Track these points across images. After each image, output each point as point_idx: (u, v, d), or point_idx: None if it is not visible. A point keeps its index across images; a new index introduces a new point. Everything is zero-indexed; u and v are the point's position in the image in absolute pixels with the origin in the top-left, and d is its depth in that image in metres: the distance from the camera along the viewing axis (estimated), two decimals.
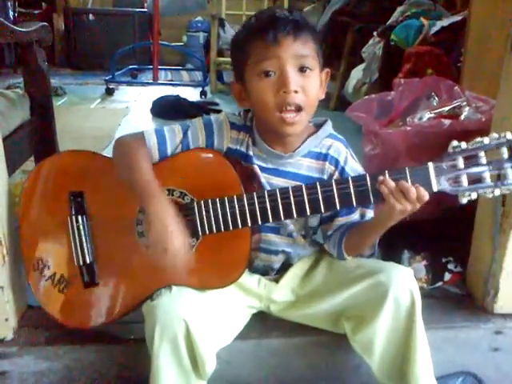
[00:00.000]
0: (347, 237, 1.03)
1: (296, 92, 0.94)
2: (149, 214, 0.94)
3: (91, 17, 5.48)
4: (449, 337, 1.21)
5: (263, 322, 1.15)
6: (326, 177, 1.05)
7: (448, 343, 1.21)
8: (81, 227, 1.05)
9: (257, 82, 0.96)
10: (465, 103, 1.56)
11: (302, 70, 0.95)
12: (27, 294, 1.19)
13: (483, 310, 1.26)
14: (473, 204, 1.28)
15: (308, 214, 0.94)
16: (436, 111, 1.56)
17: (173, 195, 1.00)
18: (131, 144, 1.03)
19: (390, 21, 3.13)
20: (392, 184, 0.89)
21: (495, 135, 0.86)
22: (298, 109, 0.95)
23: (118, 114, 3.58)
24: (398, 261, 1.37)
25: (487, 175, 0.87)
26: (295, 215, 0.94)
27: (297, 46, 0.94)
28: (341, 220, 1.05)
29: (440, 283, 1.37)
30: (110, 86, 4.26)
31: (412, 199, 0.89)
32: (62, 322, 1.08)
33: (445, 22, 2.67)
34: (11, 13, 4.56)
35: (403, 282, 0.98)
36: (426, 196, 0.89)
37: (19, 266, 1.15)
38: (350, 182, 0.92)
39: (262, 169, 1.04)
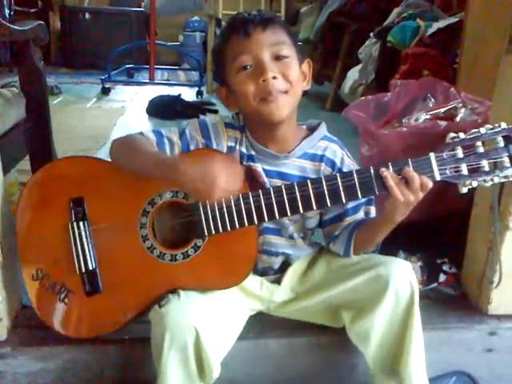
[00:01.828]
0: (356, 235, 1.04)
1: (275, 78, 0.95)
2: (181, 174, 0.89)
3: (87, 16, 5.47)
4: (443, 337, 1.22)
5: (261, 323, 1.15)
6: None
7: (442, 344, 1.21)
8: (82, 233, 1.02)
9: (236, 78, 0.98)
10: (461, 105, 1.56)
11: (278, 57, 0.96)
12: (21, 294, 1.19)
13: (477, 311, 1.26)
14: (468, 205, 1.30)
15: (314, 208, 0.95)
16: (432, 113, 1.56)
17: (177, 196, 1.00)
18: (130, 137, 1.03)
19: (386, 22, 3.14)
20: (395, 175, 0.91)
21: (490, 126, 0.90)
22: (283, 92, 0.96)
23: (114, 113, 3.58)
24: None
25: (485, 164, 0.90)
26: (301, 210, 0.95)
27: (267, 36, 0.96)
28: (348, 220, 1.06)
29: (435, 284, 1.37)
30: (106, 86, 4.25)
31: (415, 188, 0.91)
32: (64, 333, 1.06)
33: (441, 24, 2.68)
34: (7, 11, 4.54)
35: (403, 274, 1.00)
36: (430, 184, 0.91)
37: (14, 265, 1.14)
38: (355, 174, 0.94)
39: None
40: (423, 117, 1.55)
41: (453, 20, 2.64)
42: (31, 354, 1.10)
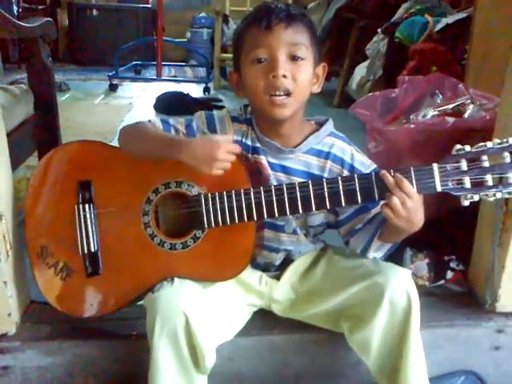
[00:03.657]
0: (381, 232, 1.02)
1: (285, 77, 0.95)
2: (186, 149, 0.93)
3: (95, 12, 5.48)
4: (450, 335, 1.21)
5: (264, 319, 1.15)
6: (326, 175, 1.05)
7: (449, 341, 1.21)
8: (87, 216, 1.05)
9: (249, 69, 0.98)
10: (469, 101, 1.55)
11: (293, 58, 0.96)
12: (30, 289, 1.20)
13: (485, 309, 1.26)
14: (476, 202, 1.29)
15: (313, 209, 0.95)
16: (440, 109, 1.56)
17: (181, 187, 1.01)
18: (138, 122, 1.05)
19: (394, 18, 3.12)
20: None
21: (498, 140, 0.89)
22: (287, 93, 0.96)
23: (122, 109, 3.59)
24: (401, 258, 1.37)
25: (489, 178, 0.89)
26: (301, 210, 0.95)
27: (289, 34, 0.96)
28: (372, 212, 1.04)
29: (442, 281, 1.36)
30: (114, 82, 4.26)
31: (408, 191, 0.89)
32: (62, 310, 1.08)
33: (449, 19, 2.66)
34: (15, 8, 4.56)
35: (400, 283, 0.98)
36: (410, 188, 0.89)
37: (23, 261, 1.15)
38: (356, 178, 0.94)
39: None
40: (431, 113, 1.54)
41: (461, 15, 2.62)
42: (40, 348, 1.11)
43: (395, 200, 0.90)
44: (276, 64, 0.95)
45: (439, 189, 0.91)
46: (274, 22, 0.95)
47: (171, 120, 1.06)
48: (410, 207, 0.90)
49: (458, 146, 0.90)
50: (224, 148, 0.92)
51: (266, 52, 0.96)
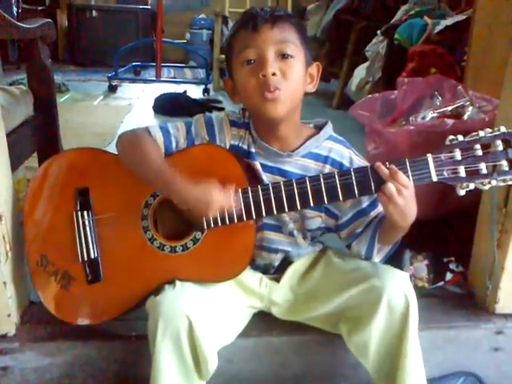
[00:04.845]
0: (380, 232, 1.03)
1: (274, 74, 0.95)
2: (173, 197, 0.95)
3: (95, 13, 5.48)
4: (449, 336, 1.21)
5: (264, 320, 1.15)
6: None
7: (449, 343, 1.21)
8: (86, 222, 1.05)
9: (240, 71, 0.99)
10: (468, 103, 1.56)
11: (283, 56, 0.97)
12: (29, 290, 1.20)
13: (484, 310, 1.26)
14: (475, 204, 1.29)
15: (311, 204, 0.96)
16: (439, 111, 1.56)
17: None
18: (138, 135, 1.04)
19: (393, 19, 3.13)
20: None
21: (489, 129, 0.91)
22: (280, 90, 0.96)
23: (121, 111, 3.59)
24: (400, 260, 1.37)
25: (483, 167, 0.91)
26: (299, 206, 0.96)
27: (275, 33, 0.97)
28: (372, 215, 1.05)
29: (441, 283, 1.37)
30: (113, 83, 4.26)
31: (402, 182, 0.91)
32: (63, 319, 1.08)
33: (449, 21, 2.66)
34: (15, 9, 4.56)
35: (397, 286, 0.98)
36: (404, 179, 0.91)
37: (22, 261, 1.15)
38: (352, 172, 0.95)
39: (263, 166, 1.05)
40: (430, 115, 1.54)
41: (461, 17, 2.62)
42: (39, 349, 1.11)
43: (390, 186, 0.91)
44: (265, 63, 0.95)
45: (435, 178, 0.92)
46: (259, 24, 0.96)
47: (171, 128, 1.06)
48: (405, 195, 0.92)
49: (451, 137, 0.92)
50: (218, 200, 0.93)
51: (254, 52, 0.96)
